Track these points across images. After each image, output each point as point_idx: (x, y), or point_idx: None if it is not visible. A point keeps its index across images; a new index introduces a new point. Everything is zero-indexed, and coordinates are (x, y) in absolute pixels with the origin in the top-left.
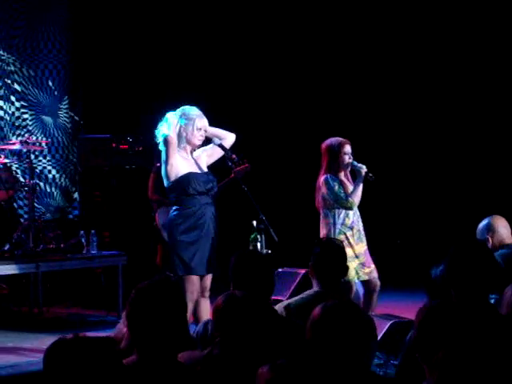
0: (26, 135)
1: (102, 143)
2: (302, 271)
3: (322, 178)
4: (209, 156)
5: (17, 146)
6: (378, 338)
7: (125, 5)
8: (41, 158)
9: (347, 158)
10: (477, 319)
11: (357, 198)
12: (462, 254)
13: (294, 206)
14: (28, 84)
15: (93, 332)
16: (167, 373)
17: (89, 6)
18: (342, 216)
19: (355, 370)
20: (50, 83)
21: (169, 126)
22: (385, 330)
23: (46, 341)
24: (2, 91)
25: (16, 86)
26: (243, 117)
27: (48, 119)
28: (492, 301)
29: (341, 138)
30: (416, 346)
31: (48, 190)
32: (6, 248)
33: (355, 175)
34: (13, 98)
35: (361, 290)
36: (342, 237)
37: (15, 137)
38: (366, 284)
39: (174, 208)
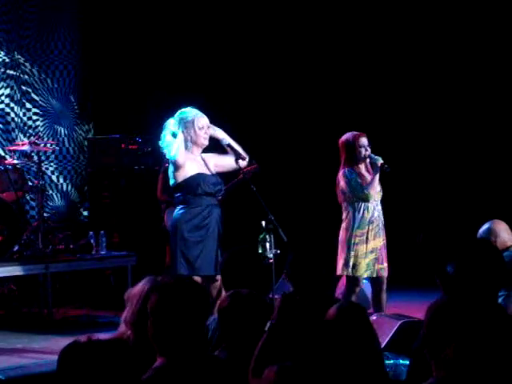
0: (36, 136)
1: (111, 144)
2: None
3: (340, 172)
4: (216, 165)
5: (26, 147)
6: (388, 337)
7: (136, 4)
8: (52, 159)
9: (363, 151)
10: (484, 317)
11: (373, 190)
12: (470, 253)
13: (303, 206)
14: (39, 87)
15: (102, 333)
16: (200, 371)
17: (99, 7)
18: (361, 210)
19: (366, 372)
20: (60, 83)
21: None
22: (395, 329)
23: (55, 342)
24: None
25: (32, 95)
26: (252, 117)
27: (60, 126)
28: (500, 298)
29: (356, 132)
30: (425, 343)
31: (59, 190)
32: (16, 249)
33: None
34: (28, 105)
35: (368, 290)
36: (359, 231)
37: (26, 138)
38: (373, 282)
39: (180, 207)
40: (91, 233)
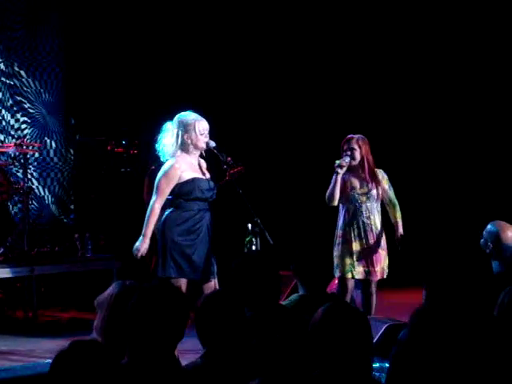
0: (22, 139)
1: (97, 146)
2: None
3: None
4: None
5: (11, 149)
6: (374, 340)
7: (119, 7)
8: (40, 161)
9: (343, 154)
10: (469, 321)
11: (329, 193)
12: (457, 257)
13: (290, 209)
14: (28, 89)
15: (88, 336)
16: (161, 375)
17: (83, 8)
18: (343, 211)
19: (355, 376)
20: (48, 86)
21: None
22: (380, 332)
23: (40, 344)
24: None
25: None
26: (239, 118)
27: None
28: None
29: (351, 135)
30: (410, 348)
31: (43, 194)
32: (1, 251)
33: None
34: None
35: (358, 292)
36: (342, 231)
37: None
38: (362, 285)
39: (170, 210)
40: (76, 235)
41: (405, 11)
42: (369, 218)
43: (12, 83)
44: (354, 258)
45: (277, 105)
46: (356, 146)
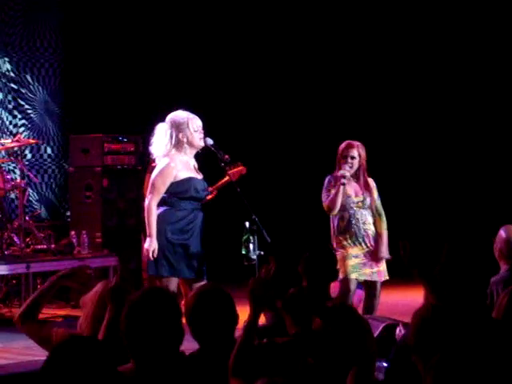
0: (18, 135)
1: (94, 143)
2: None
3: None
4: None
5: (9, 145)
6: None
7: (117, 3)
8: (37, 158)
9: (344, 162)
10: (471, 322)
11: (331, 204)
12: (454, 259)
13: (287, 207)
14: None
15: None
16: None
17: (81, 5)
18: (337, 218)
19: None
20: (46, 82)
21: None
22: (378, 331)
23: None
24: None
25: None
26: (236, 118)
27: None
28: None
29: (349, 141)
30: (413, 348)
31: (39, 191)
32: None
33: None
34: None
35: (360, 293)
36: (339, 237)
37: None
38: (366, 287)
39: (164, 208)
40: (73, 232)
41: (401, 15)
42: (365, 223)
43: (16, 87)
44: (358, 260)
45: (276, 103)
46: (356, 155)
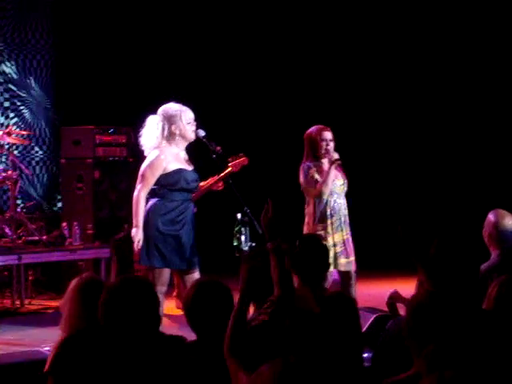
0: (10, 127)
1: (85, 134)
2: None
3: (300, 166)
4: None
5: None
6: (362, 331)
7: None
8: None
9: (324, 145)
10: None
11: (325, 187)
12: (445, 249)
13: (279, 198)
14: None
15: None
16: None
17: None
18: (321, 204)
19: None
20: (38, 73)
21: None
22: (369, 323)
23: (28, 333)
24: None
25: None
26: (227, 110)
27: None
28: None
29: (321, 125)
30: (408, 334)
31: (30, 183)
32: None
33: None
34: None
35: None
36: (320, 225)
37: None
38: (343, 276)
39: (155, 199)
40: (64, 224)
41: (394, 10)
42: (346, 209)
43: (15, 89)
44: (337, 249)
45: (267, 94)
46: (332, 137)
